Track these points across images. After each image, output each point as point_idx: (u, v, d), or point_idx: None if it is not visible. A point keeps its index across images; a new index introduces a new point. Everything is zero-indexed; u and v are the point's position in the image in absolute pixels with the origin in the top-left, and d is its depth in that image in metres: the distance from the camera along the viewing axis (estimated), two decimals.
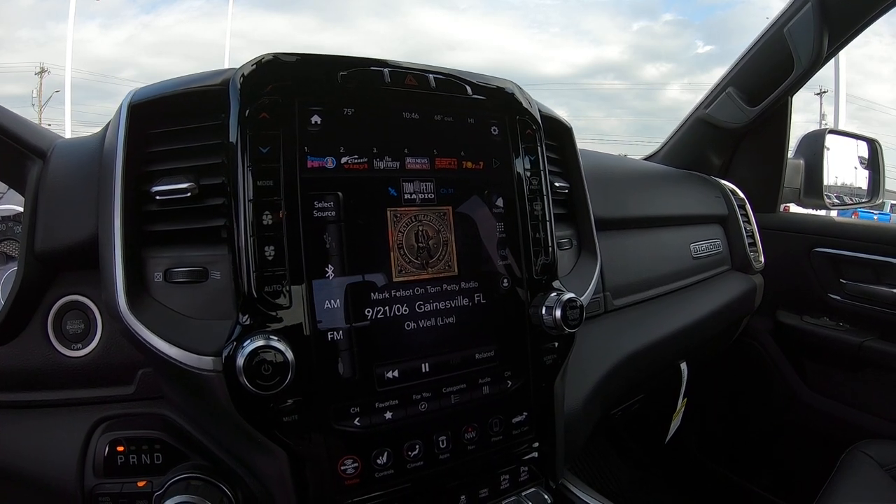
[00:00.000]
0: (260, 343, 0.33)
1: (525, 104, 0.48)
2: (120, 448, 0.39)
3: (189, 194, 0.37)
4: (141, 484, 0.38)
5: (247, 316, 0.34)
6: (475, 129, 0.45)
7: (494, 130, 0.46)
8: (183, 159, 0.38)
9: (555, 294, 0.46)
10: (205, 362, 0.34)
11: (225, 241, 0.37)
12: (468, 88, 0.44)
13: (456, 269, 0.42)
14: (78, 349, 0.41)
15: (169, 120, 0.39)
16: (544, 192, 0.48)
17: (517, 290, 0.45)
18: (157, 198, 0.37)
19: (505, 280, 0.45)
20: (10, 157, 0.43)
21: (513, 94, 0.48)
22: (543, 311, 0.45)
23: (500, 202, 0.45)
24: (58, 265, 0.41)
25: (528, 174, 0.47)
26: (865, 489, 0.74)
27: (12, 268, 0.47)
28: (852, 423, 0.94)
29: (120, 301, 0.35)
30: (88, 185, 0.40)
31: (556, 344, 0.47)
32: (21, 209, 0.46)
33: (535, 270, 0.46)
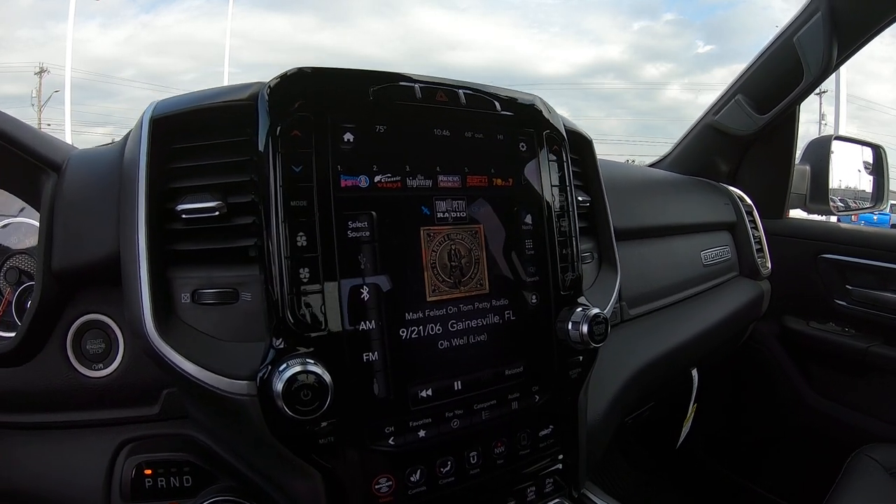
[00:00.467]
0: (298, 368, 0.32)
1: (551, 119, 0.48)
2: (148, 471, 0.38)
3: (217, 213, 0.36)
4: None
5: (280, 340, 0.34)
6: (504, 145, 0.44)
7: (522, 146, 0.45)
8: (209, 176, 0.37)
9: (580, 309, 0.46)
10: (238, 386, 0.33)
11: (254, 261, 0.37)
12: (497, 104, 0.44)
13: (487, 287, 0.42)
14: (99, 369, 0.40)
15: (193, 135, 0.38)
16: (570, 209, 0.48)
17: (544, 305, 0.45)
18: (184, 216, 0.36)
19: (533, 296, 0.45)
20: (23, 170, 0.41)
21: (540, 110, 0.47)
22: (570, 327, 0.45)
23: (528, 219, 0.45)
24: (76, 283, 0.40)
25: (556, 190, 0.47)
26: (871, 492, 0.75)
27: (25, 283, 0.46)
28: (857, 427, 0.95)
29: (147, 324, 0.34)
30: (107, 199, 0.39)
31: (581, 358, 0.48)
32: (37, 223, 0.45)
33: (561, 286, 0.46)
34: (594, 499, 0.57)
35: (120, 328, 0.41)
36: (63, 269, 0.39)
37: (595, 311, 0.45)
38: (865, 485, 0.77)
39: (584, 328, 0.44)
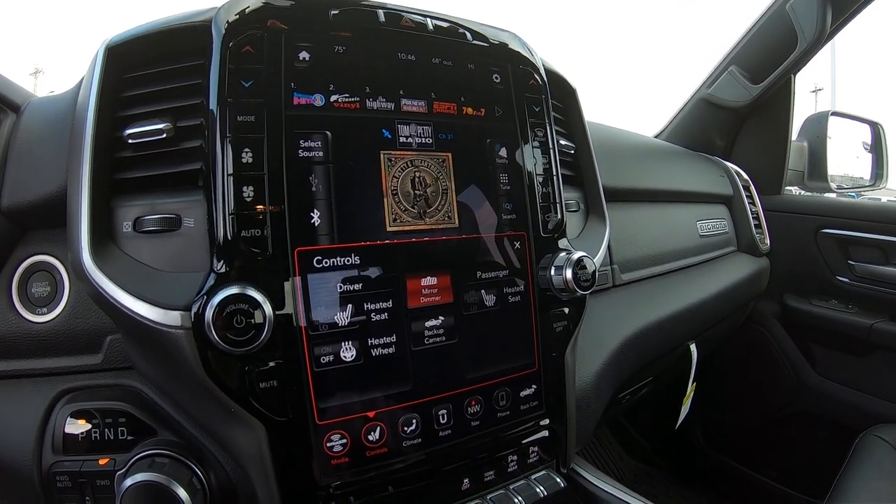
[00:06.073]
0: (234, 291, 0.29)
1: (527, 55, 0.45)
2: (82, 420, 0.35)
3: (164, 136, 0.34)
4: (103, 462, 0.34)
5: (221, 263, 0.31)
6: (475, 74, 0.41)
7: (496, 78, 0.42)
8: (160, 102, 0.35)
9: (564, 253, 0.42)
10: (172, 317, 0.30)
11: (201, 188, 0.34)
12: (468, 35, 0.41)
13: (456, 221, 0.38)
14: (43, 314, 0.38)
15: (148, 62, 0.36)
16: (550, 146, 0.44)
17: (523, 247, 0.42)
18: (131, 142, 0.34)
19: (510, 236, 0.41)
20: None
21: (515, 44, 0.45)
22: (552, 272, 0.41)
23: (503, 152, 0.41)
24: (25, 222, 0.38)
25: (534, 126, 0.44)
26: (884, 473, 0.71)
27: None
28: (863, 409, 0.91)
29: (84, 253, 0.31)
30: (61, 138, 0.38)
31: (567, 309, 0.44)
32: None
33: (542, 228, 0.43)
34: (586, 475, 0.52)
35: (66, 270, 0.38)
36: (13, 207, 0.37)
37: (580, 254, 0.42)
38: (876, 465, 0.72)
39: (568, 273, 0.41)
